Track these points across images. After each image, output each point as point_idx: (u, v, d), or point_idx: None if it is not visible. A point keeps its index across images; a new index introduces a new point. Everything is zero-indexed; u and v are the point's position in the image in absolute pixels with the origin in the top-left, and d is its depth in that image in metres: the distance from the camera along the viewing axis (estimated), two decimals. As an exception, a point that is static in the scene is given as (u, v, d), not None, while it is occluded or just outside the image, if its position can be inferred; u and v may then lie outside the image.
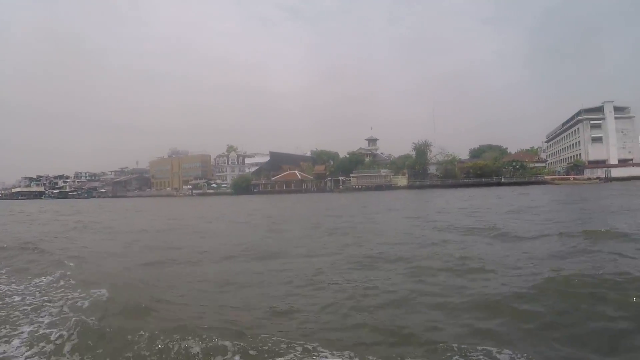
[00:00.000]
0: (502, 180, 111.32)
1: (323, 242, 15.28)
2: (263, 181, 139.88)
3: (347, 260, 11.45)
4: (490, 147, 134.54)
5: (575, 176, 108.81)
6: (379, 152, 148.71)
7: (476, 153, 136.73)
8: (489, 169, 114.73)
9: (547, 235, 14.27)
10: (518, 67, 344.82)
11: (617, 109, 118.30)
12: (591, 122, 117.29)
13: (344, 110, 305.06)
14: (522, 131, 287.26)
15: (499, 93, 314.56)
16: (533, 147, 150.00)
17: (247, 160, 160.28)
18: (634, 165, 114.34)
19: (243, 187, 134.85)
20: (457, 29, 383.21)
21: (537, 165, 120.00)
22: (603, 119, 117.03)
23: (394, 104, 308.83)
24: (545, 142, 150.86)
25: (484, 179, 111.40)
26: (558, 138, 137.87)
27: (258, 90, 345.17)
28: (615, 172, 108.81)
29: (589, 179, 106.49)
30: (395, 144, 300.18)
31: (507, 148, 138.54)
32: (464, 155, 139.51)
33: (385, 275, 9.54)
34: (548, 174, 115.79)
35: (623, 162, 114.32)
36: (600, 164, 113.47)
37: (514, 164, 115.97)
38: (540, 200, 37.65)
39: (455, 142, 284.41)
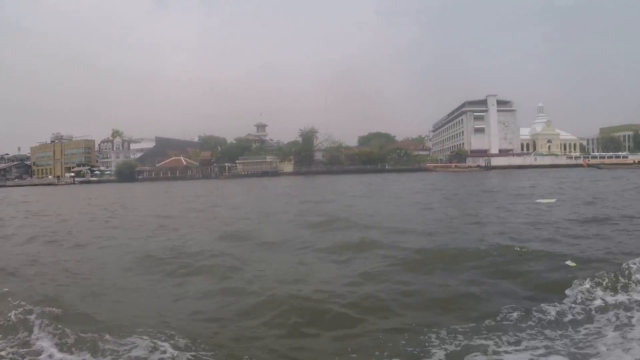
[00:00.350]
0: (386, 167, 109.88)
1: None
2: (147, 168, 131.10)
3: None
4: (378, 135, 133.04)
5: (456, 164, 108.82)
6: (268, 138, 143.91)
7: (364, 141, 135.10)
8: (374, 156, 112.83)
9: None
10: (411, 60, 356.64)
11: (500, 103, 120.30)
12: (474, 113, 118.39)
13: (240, 97, 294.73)
14: (413, 121, 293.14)
15: (392, 84, 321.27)
16: (420, 136, 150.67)
17: (133, 146, 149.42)
18: (514, 155, 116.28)
19: (127, 174, 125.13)
20: (354, 21, 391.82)
21: (421, 153, 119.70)
22: (486, 111, 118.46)
23: (290, 92, 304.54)
24: (432, 131, 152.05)
25: (369, 166, 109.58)
26: (443, 128, 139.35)
27: (151, 76, 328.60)
28: (496, 161, 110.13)
29: (470, 167, 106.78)
30: (290, 133, 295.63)
31: (395, 136, 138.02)
32: (354, 142, 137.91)
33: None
34: (431, 162, 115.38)
35: (504, 152, 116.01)
36: (482, 153, 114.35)
37: (398, 151, 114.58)
38: (413, 186, 40.82)
39: (347, 131, 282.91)
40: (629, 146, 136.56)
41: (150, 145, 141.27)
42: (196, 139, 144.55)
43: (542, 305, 6.13)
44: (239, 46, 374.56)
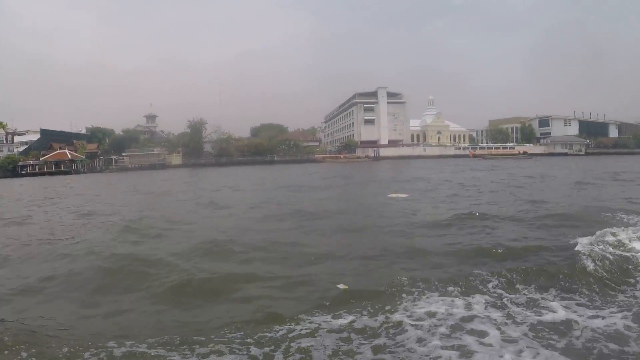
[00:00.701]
0: (275, 158, 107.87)
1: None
2: (31, 162, 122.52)
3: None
4: (270, 126, 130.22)
5: (345, 155, 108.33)
6: (158, 130, 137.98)
7: (256, 132, 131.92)
8: (263, 147, 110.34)
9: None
10: (309, 51, 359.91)
11: (390, 95, 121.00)
12: (365, 105, 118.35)
13: (138, 89, 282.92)
14: (309, 112, 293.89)
15: (289, 75, 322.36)
16: (314, 127, 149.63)
17: (18, 139, 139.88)
18: (403, 145, 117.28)
19: (10, 169, 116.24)
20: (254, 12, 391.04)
21: (311, 144, 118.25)
22: (376, 102, 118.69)
23: (188, 85, 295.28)
24: (324, 122, 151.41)
25: (258, 157, 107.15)
26: (335, 119, 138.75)
27: (43, 62, 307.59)
28: (385, 152, 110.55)
29: (358, 157, 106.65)
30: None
31: (287, 127, 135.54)
32: (247, 134, 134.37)
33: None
34: (321, 152, 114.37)
35: (394, 143, 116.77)
36: (372, 144, 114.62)
37: (287, 142, 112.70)
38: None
39: (245, 123, 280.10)
40: (516, 137, 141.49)
41: (36, 137, 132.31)
42: (83, 131, 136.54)
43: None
44: (137, 37, 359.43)
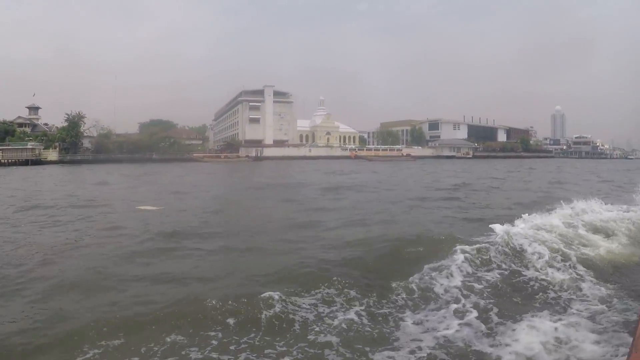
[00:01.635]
0: (154, 156, 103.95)
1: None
2: None
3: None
4: (160, 122, 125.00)
5: (226, 154, 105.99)
6: (41, 122, 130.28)
7: (144, 128, 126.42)
8: (144, 144, 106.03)
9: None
10: (210, 43, 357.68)
11: (278, 94, 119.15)
12: (250, 103, 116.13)
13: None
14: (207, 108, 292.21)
15: (190, 68, 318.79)
16: (205, 124, 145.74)
17: None
18: (289, 146, 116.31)
19: None
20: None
21: (194, 142, 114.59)
22: (262, 101, 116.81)
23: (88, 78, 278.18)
24: (214, 120, 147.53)
25: (137, 155, 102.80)
26: (223, 117, 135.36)
27: None
28: (269, 152, 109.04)
29: (239, 157, 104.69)
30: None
31: (177, 124, 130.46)
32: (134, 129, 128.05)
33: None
34: (203, 151, 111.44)
35: (279, 143, 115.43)
36: (257, 143, 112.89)
37: (167, 139, 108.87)
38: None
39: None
40: (406, 140, 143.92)
41: None
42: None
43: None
44: (36, 25, 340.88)
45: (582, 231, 11.20)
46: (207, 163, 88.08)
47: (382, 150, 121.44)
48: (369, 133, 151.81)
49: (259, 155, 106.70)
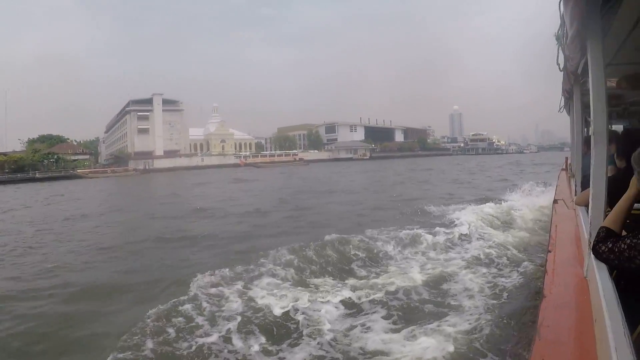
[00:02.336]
0: (37, 175, 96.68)
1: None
2: None
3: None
4: (49, 138, 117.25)
5: (114, 169, 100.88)
6: None
7: (32, 144, 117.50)
8: (26, 162, 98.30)
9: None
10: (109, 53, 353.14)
11: (167, 102, 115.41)
12: (139, 113, 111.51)
13: None
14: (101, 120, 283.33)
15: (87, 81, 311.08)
16: (98, 137, 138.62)
17: None
18: (180, 156, 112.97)
19: None
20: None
21: (80, 157, 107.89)
22: (151, 110, 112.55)
23: None
24: (105, 133, 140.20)
25: (19, 175, 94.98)
26: (113, 129, 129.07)
27: None
28: (160, 163, 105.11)
29: (126, 170, 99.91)
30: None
31: (68, 139, 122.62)
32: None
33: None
34: (90, 167, 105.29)
35: (171, 153, 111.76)
36: (147, 155, 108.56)
37: (49, 156, 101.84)
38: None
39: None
40: (303, 144, 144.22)
41: None
42: None
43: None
44: None
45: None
46: (91, 179, 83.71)
47: (278, 155, 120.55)
48: (265, 139, 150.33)
49: (147, 167, 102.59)
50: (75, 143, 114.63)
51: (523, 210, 13.41)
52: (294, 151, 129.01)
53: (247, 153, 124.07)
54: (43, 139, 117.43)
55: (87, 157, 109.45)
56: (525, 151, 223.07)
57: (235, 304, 6.57)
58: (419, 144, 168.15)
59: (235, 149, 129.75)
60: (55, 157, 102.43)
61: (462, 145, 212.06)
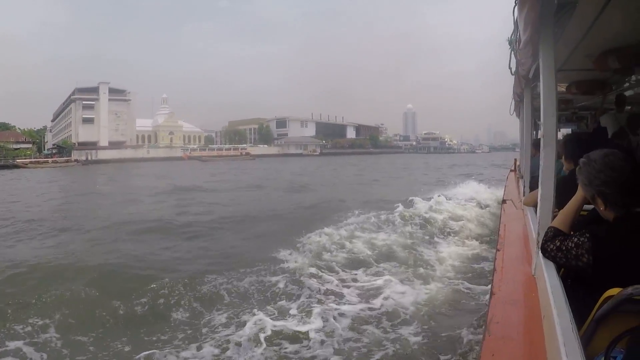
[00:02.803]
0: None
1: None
2: None
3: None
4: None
5: (55, 159, 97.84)
6: None
7: None
8: None
9: None
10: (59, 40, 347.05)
11: (115, 91, 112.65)
12: (84, 102, 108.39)
13: None
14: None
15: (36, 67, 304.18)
16: (46, 126, 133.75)
17: None
18: (126, 147, 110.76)
19: None
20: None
21: (23, 146, 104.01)
22: (97, 99, 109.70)
23: None
24: (52, 121, 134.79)
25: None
26: (59, 117, 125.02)
27: None
28: (104, 155, 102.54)
29: (68, 161, 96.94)
30: None
31: (14, 126, 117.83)
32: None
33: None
34: (31, 156, 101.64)
35: (116, 144, 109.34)
36: (92, 145, 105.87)
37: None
38: None
39: None
40: (254, 138, 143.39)
41: None
42: None
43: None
44: None
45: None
46: (29, 169, 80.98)
47: (226, 150, 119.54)
48: (216, 132, 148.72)
49: (88, 158, 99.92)
50: (19, 131, 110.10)
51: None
52: (243, 145, 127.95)
53: (195, 146, 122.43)
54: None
55: (29, 145, 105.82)
56: (477, 151, 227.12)
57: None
58: (370, 141, 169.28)
59: (184, 141, 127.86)
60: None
61: (414, 143, 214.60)
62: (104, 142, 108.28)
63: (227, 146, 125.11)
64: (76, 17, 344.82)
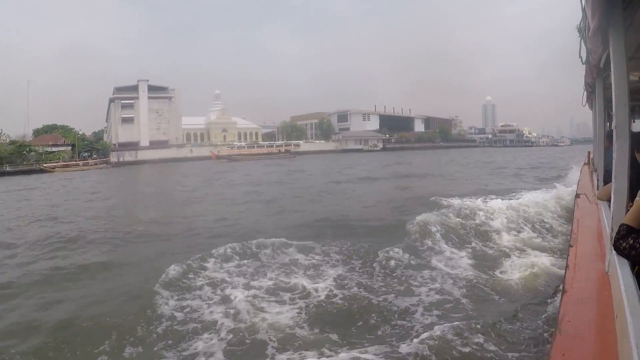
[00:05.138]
0: (7, 169, 79.05)
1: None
2: None
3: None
4: (54, 128, 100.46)
5: (88, 161, 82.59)
6: None
7: (38, 134, 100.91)
8: (3, 155, 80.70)
9: None
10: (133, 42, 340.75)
11: (155, 89, 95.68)
12: (122, 101, 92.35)
13: None
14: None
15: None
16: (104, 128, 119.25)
17: None
18: (170, 147, 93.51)
19: None
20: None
21: (61, 149, 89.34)
22: (137, 98, 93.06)
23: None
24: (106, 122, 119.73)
25: (-3, 167, 77.64)
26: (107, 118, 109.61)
27: None
28: (144, 155, 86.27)
29: (96, 164, 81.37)
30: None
31: (74, 128, 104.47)
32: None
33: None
34: (60, 159, 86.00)
35: (159, 144, 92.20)
36: (132, 146, 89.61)
37: (20, 149, 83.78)
38: None
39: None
40: (315, 134, 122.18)
41: None
42: None
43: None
44: None
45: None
46: (54, 173, 66.84)
47: (262, 147, 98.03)
48: (277, 128, 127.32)
49: (120, 160, 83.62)
50: (79, 134, 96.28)
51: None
52: (296, 142, 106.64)
53: (244, 144, 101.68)
54: (47, 128, 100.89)
55: (68, 148, 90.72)
56: (559, 144, 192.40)
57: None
58: (440, 134, 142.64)
59: (239, 138, 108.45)
60: (28, 149, 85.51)
61: (489, 136, 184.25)
62: (144, 142, 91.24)
63: (267, 143, 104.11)
64: (147, 22, 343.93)
